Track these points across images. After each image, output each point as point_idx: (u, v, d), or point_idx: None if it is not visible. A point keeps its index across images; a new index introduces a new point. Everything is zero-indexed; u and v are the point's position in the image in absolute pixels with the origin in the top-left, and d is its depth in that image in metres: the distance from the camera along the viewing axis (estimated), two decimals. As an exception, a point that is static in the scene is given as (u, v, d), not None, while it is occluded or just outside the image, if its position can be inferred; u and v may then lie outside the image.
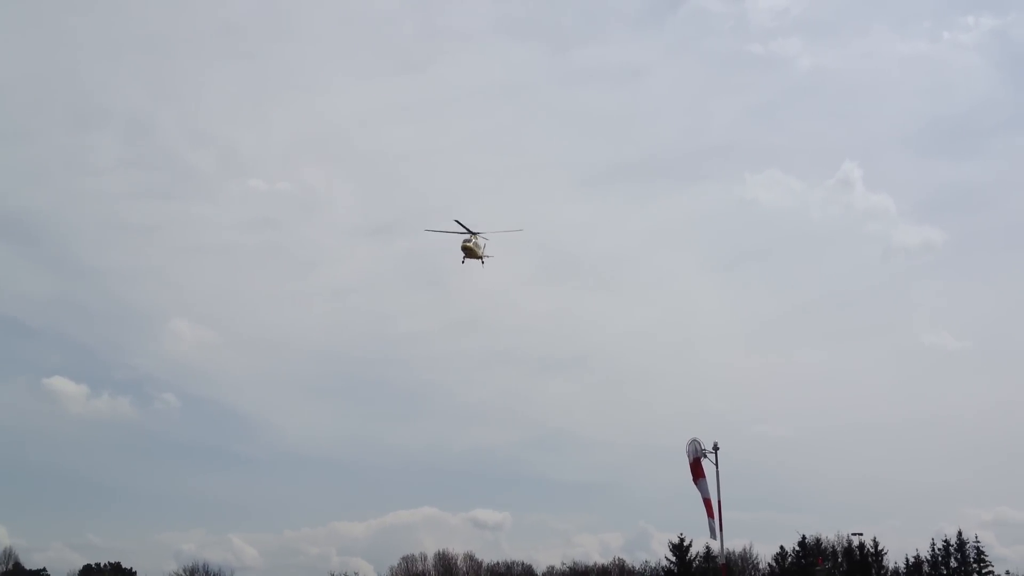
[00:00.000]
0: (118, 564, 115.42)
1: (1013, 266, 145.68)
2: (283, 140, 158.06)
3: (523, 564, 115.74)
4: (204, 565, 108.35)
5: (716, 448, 47.95)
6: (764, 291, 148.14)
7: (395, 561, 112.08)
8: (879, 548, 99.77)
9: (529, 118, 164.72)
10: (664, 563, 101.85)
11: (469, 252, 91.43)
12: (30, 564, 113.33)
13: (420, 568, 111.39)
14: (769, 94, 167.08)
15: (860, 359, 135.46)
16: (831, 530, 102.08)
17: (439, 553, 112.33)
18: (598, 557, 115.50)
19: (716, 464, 46.93)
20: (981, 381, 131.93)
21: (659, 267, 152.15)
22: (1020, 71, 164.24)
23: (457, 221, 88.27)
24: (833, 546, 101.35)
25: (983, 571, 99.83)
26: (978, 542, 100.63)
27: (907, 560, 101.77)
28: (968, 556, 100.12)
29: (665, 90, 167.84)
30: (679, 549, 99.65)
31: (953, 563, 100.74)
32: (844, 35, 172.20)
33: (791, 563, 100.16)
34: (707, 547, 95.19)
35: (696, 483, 48.96)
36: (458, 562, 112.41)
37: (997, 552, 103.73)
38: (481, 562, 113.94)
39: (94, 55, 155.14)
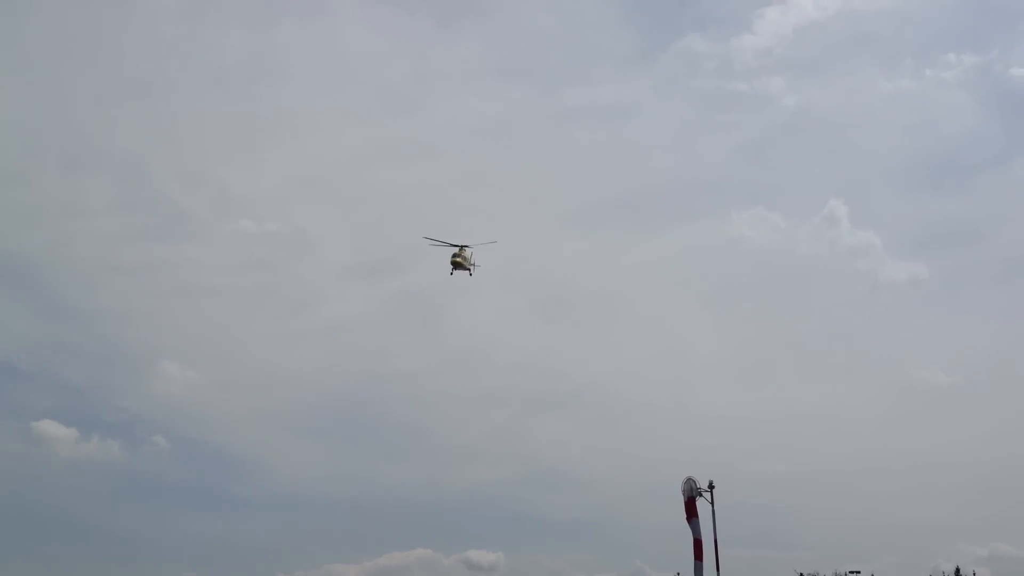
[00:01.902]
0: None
1: (1000, 301, 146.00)
2: (275, 181, 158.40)
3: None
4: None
5: (712, 487, 48.21)
6: (755, 328, 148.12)
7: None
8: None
9: (521, 156, 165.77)
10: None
11: (458, 265, 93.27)
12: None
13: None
14: (755, 132, 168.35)
15: (852, 395, 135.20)
16: (828, 567, 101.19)
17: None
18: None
19: (712, 503, 47.17)
20: (973, 415, 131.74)
21: (651, 303, 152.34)
22: (1004, 107, 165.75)
23: (427, 238, 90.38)
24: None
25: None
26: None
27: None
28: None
29: (654, 128, 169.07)
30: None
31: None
32: (827, 74, 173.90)
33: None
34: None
35: (689, 522, 49.13)
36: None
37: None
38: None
39: (87, 99, 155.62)
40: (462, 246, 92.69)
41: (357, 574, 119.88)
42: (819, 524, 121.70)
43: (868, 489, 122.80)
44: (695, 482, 49.17)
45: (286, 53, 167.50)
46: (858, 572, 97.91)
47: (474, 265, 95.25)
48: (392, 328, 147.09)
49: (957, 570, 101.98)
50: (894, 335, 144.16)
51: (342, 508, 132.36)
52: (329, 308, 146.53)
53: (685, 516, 48.10)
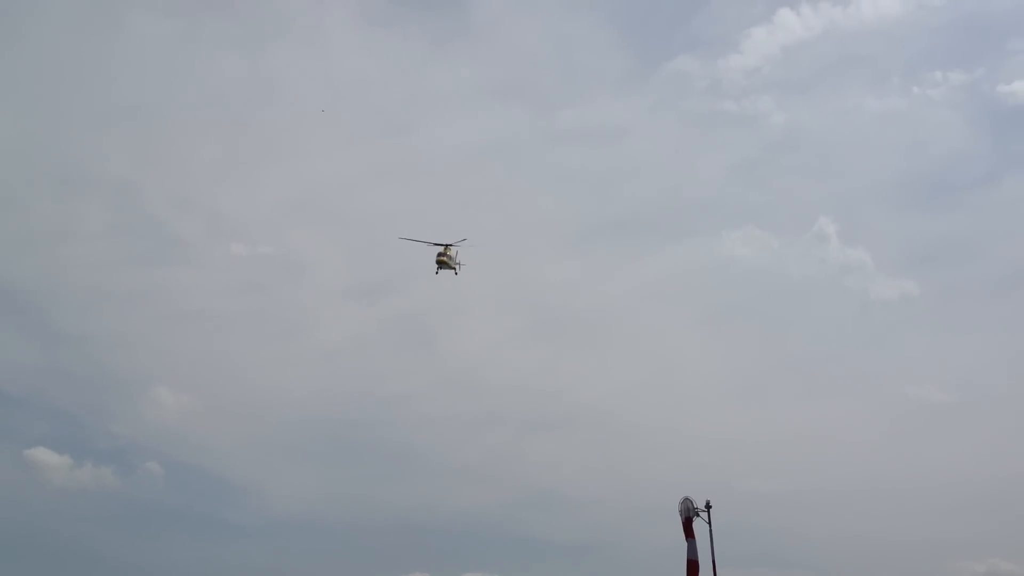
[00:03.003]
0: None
1: (993, 317, 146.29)
2: (268, 204, 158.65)
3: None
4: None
5: (709, 506, 48.16)
6: (748, 346, 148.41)
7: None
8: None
9: (514, 178, 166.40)
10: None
11: (443, 264, 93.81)
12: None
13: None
14: (745, 151, 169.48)
15: (847, 412, 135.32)
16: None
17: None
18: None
19: (709, 523, 47.12)
20: (968, 431, 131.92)
21: (645, 324, 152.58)
22: (992, 124, 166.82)
23: (402, 237, 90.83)
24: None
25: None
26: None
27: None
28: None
29: (646, 149, 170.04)
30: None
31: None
32: (815, 92, 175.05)
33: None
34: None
35: (687, 543, 49.08)
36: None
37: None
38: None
39: (79, 124, 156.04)
40: (447, 245, 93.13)
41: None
42: (817, 543, 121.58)
43: (865, 507, 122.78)
44: (692, 502, 49.15)
45: (278, 76, 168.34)
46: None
47: (459, 264, 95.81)
48: (386, 350, 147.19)
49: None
50: (887, 352, 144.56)
51: (338, 532, 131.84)
52: (323, 331, 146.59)
53: (684, 536, 48.04)
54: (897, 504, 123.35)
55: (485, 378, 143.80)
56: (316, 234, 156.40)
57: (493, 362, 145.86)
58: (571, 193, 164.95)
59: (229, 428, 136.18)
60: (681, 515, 49.11)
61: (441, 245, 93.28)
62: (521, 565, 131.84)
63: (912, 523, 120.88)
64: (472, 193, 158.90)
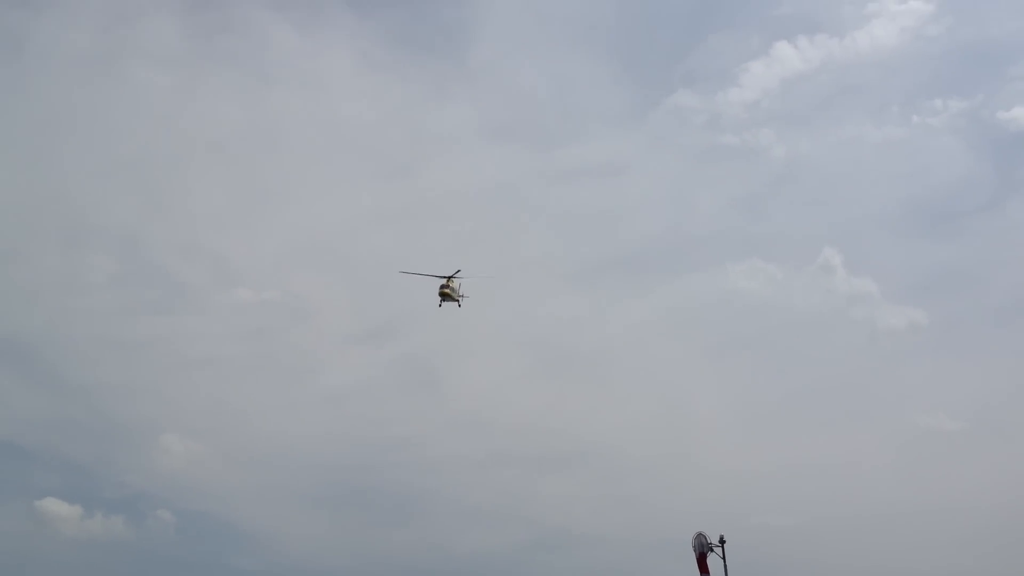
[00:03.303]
0: None
1: (1000, 344, 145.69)
2: (273, 249, 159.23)
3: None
4: None
5: (723, 541, 47.88)
6: (756, 380, 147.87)
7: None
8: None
9: (515, 217, 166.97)
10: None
11: (446, 296, 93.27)
12: None
13: None
14: (747, 184, 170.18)
15: (858, 444, 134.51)
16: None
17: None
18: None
19: (724, 558, 46.81)
20: (980, 460, 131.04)
21: (651, 359, 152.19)
22: (994, 151, 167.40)
23: (403, 271, 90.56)
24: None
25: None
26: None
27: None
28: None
29: (648, 185, 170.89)
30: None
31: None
32: (815, 124, 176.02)
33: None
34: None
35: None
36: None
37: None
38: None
39: (83, 176, 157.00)
40: (449, 277, 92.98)
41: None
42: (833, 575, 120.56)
43: (879, 538, 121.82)
44: (705, 537, 48.88)
45: (280, 123, 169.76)
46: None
47: (462, 296, 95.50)
48: (393, 393, 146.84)
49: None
50: (896, 382, 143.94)
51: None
52: (330, 375, 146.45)
53: (699, 573, 47.71)
54: (912, 534, 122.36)
55: (492, 418, 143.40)
56: (320, 278, 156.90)
57: (500, 401, 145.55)
58: (573, 230, 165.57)
59: (238, 474, 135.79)
60: (695, 551, 48.82)
61: (443, 277, 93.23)
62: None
63: (927, 553, 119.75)
64: (474, 233, 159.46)
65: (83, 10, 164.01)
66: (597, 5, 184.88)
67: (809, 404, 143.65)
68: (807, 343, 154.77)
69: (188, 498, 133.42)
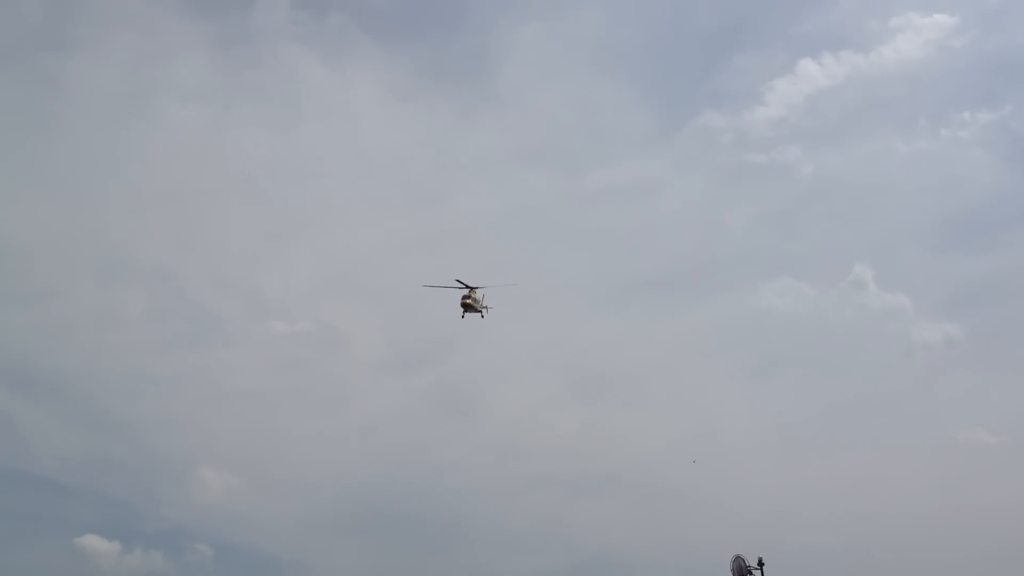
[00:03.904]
0: None
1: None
2: (305, 280, 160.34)
3: None
4: None
5: (761, 564, 47.64)
6: (792, 398, 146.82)
7: None
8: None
9: (546, 241, 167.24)
10: None
11: (468, 307, 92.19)
12: None
13: None
14: (776, 202, 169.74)
15: (897, 461, 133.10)
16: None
17: None
18: None
19: (763, 581, 46.60)
20: (1022, 474, 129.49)
21: (685, 379, 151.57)
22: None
23: (458, 280, 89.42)
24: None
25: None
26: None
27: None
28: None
29: (677, 205, 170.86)
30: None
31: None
32: (843, 139, 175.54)
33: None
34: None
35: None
36: None
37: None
38: None
39: (119, 212, 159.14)
40: (472, 287, 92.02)
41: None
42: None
43: (921, 556, 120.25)
44: (744, 560, 48.70)
45: (310, 155, 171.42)
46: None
47: (486, 308, 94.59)
48: (429, 419, 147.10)
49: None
50: (933, 397, 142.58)
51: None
52: (364, 403, 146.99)
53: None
54: (954, 552, 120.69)
55: (527, 442, 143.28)
56: (352, 307, 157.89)
57: (534, 425, 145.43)
58: (604, 253, 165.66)
59: (275, 505, 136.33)
60: (733, 573, 48.66)
61: (466, 288, 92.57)
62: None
63: (971, 571, 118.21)
64: (505, 258, 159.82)
65: (114, 50, 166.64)
66: (621, 28, 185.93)
67: (846, 421, 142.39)
68: (841, 360, 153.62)
69: (226, 531, 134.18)
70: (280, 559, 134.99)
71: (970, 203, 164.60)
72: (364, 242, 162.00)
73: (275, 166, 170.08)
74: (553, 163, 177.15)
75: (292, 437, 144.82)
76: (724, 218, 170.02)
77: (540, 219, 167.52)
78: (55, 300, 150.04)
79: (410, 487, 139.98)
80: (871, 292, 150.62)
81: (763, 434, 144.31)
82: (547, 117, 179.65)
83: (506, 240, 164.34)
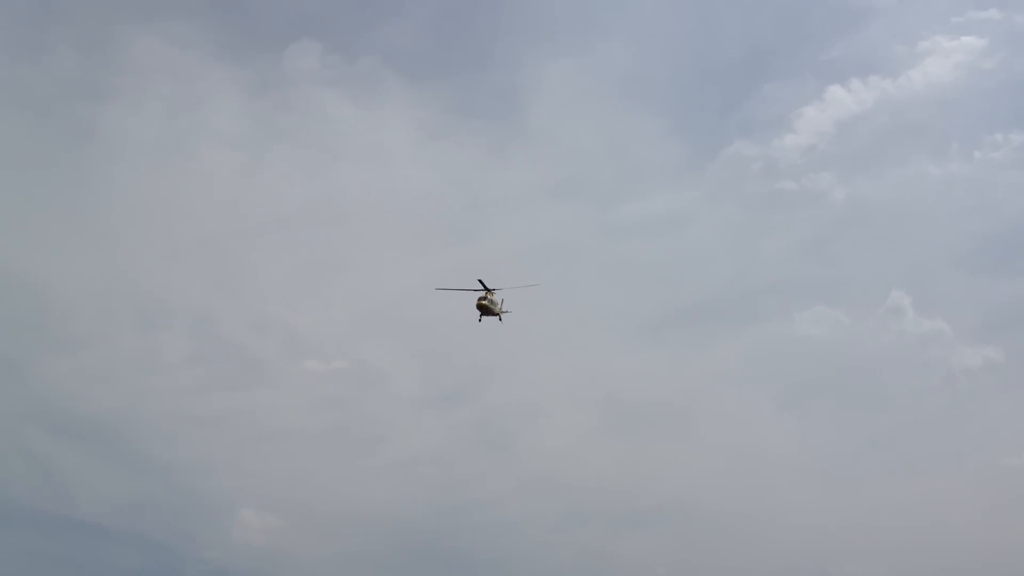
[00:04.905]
0: None
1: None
2: (341, 319, 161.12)
3: None
4: None
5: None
6: (832, 427, 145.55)
7: None
8: None
9: (579, 275, 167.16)
10: None
11: (485, 309, 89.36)
12: None
13: None
14: (809, 229, 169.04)
15: (942, 488, 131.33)
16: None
17: None
18: None
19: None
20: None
21: (723, 411, 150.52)
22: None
23: (480, 281, 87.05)
24: None
25: None
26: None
27: None
28: None
29: (710, 235, 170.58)
30: None
31: None
32: (874, 165, 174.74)
33: None
34: None
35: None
36: None
37: None
38: None
39: (157, 258, 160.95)
40: (490, 289, 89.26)
41: None
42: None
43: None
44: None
45: (343, 195, 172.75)
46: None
47: (504, 312, 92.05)
48: (466, 456, 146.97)
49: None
50: (976, 423, 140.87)
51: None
52: (402, 441, 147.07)
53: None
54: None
55: (566, 477, 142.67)
56: (388, 345, 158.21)
57: (573, 460, 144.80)
58: (638, 285, 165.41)
59: (315, 544, 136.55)
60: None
61: (484, 289, 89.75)
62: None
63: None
64: (539, 293, 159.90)
65: (149, 97, 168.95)
66: (649, 61, 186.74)
67: (888, 449, 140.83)
68: (881, 388, 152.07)
69: (268, 571, 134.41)
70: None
71: (1006, 225, 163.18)
72: (398, 280, 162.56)
73: (309, 208, 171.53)
74: (584, 197, 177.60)
75: (331, 476, 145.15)
76: (757, 247, 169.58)
77: (573, 253, 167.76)
78: (95, 346, 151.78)
79: (450, 523, 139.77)
80: (909, 318, 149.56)
81: (805, 464, 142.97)
82: (577, 151, 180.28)
83: (540, 274, 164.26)
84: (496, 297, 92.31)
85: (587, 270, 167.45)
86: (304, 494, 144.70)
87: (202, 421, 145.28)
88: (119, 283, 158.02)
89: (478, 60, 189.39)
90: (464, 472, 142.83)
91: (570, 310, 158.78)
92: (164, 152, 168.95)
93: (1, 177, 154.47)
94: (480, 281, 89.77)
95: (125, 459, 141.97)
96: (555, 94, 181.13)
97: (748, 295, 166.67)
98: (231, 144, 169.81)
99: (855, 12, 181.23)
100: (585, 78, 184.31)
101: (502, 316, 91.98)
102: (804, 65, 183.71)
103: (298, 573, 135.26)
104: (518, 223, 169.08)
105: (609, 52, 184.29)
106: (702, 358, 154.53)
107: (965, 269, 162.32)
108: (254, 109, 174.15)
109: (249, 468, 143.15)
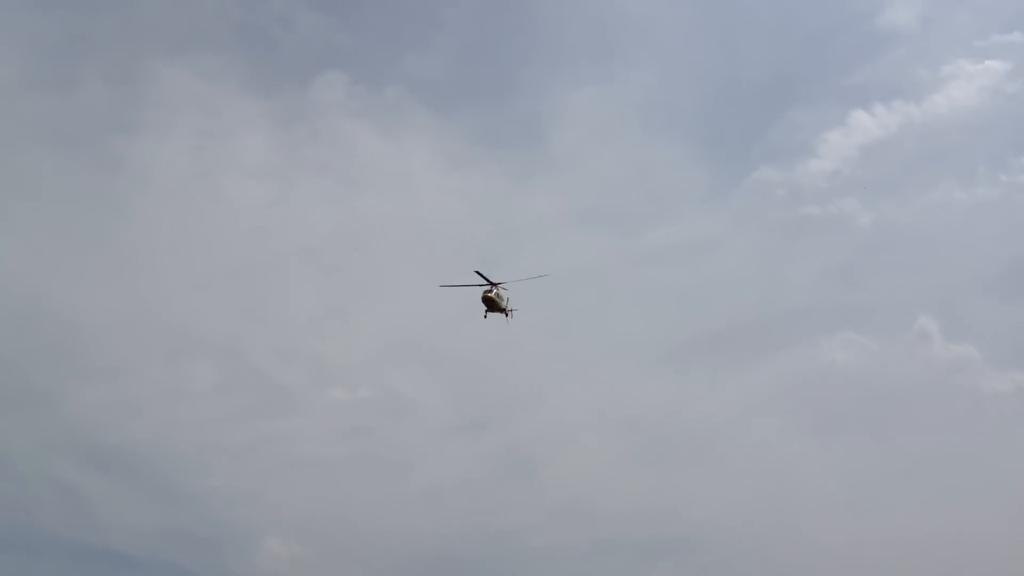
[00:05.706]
0: None
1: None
2: (367, 347, 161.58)
3: None
4: None
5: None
6: (861, 453, 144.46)
7: None
8: None
9: (605, 301, 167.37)
10: None
11: (491, 304, 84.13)
12: None
13: None
14: (835, 254, 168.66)
15: (975, 515, 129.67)
16: None
17: None
18: None
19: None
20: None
21: (751, 437, 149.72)
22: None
23: (477, 272, 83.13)
24: None
25: None
26: None
27: None
28: None
29: (735, 261, 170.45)
30: None
31: None
32: (900, 189, 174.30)
33: None
34: None
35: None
36: None
37: None
38: None
39: (185, 289, 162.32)
40: (495, 283, 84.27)
41: None
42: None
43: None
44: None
45: (369, 225, 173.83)
46: None
47: (512, 309, 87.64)
48: (492, 484, 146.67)
49: None
50: (1008, 449, 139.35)
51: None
52: (428, 469, 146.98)
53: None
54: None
55: (595, 505, 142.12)
56: (414, 373, 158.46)
57: (601, 488, 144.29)
58: (663, 311, 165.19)
59: (341, 574, 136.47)
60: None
61: (487, 283, 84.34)
62: None
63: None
64: (565, 319, 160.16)
65: (178, 130, 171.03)
66: (672, 88, 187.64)
67: (919, 476, 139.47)
68: (910, 414, 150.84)
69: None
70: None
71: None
72: (424, 308, 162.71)
73: (336, 237, 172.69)
74: (609, 224, 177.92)
75: (358, 505, 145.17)
76: (782, 273, 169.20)
77: (598, 279, 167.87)
78: (124, 376, 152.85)
79: (477, 552, 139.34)
80: (937, 344, 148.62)
81: (833, 492, 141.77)
82: (602, 179, 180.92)
83: (566, 301, 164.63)
84: (502, 291, 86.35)
85: (613, 297, 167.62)
86: (330, 523, 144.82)
87: (229, 450, 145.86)
88: (148, 313, 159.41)
89: (502, 90, 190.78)
90: (491, 500, 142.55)
91: (596, 337, 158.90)
92: (192, 184, 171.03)
93: (32, 209, 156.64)
94: (478, 273, 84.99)
95: (154, 488, 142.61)
96: (579, 122, 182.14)
97: (774, 321, 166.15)
98: (258, 175, 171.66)
99: (878, 37, 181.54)
100: (608, 106, 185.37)
101: (510, 314, 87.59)
102: (828, 90, 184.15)
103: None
104: (544, 251, 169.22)
105: (632, 79, 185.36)
106: (728, 384, 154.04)
107: (993, 293, 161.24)
108: (281, 140, 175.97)
109: (277, 497, 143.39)
